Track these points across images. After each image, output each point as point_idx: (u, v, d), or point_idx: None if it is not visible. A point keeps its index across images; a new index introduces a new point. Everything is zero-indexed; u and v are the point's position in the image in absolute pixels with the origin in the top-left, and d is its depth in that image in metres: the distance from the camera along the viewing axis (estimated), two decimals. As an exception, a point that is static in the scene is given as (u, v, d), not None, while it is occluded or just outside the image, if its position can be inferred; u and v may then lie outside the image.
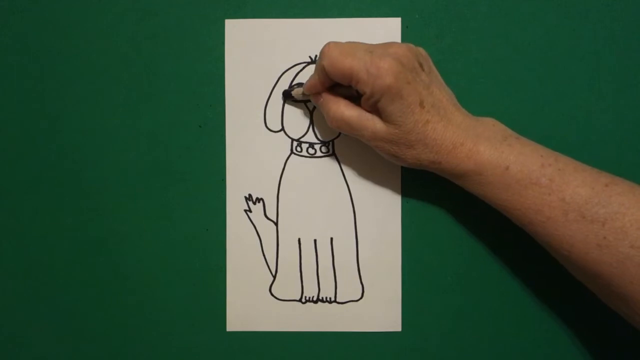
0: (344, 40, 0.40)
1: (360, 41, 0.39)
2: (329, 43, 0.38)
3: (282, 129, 0.45)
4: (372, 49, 0.38)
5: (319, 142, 0.45)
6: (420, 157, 0.38)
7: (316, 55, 0.44)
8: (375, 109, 0.38)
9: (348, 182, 0.45)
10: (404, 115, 0.37)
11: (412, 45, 0.39)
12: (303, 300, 0.45)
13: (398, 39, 0.44)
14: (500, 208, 0.38)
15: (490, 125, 0.39)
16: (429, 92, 0.38)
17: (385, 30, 0.44)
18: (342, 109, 0.39)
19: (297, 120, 0.45)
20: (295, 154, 0.45)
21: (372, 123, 0.38)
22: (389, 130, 0.38)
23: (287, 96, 0.44)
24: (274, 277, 0.45)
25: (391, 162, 0.41)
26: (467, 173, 0.38)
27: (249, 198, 0.45)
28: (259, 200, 0.45)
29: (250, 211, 0.45)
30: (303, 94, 0.43)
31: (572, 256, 0.36)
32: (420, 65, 0.38)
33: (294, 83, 0.45)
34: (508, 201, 0.38)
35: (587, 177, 0.36)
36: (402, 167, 0.44)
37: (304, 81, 0.44)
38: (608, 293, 0.36)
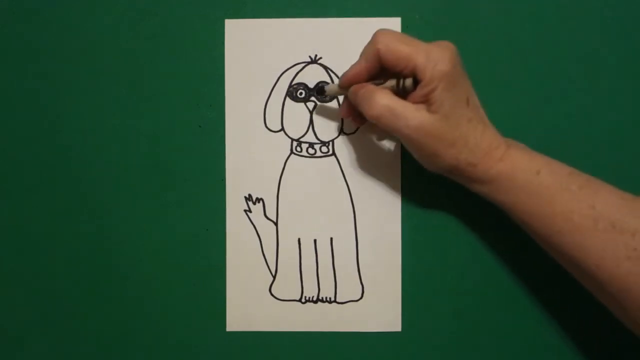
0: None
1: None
2: (380, 30, 0.38)
3: (282, 129, 0.45)
4: (425, 42, 0.38)
5: (319, 142, 0.45)
6: (459, 157, 0.38)
7: (316, 55, 0.44)
8: (426, 100, 0.37)
9: (348, 182, 0.45)
10: (454, 108, 0.37)
11: None
12: (303, 300, 0.45)
13: (398, 39, 0.44)
14: (528, 216, 0.38)
15: (515, 141, 0.40)
16: (471, 92, 0.38)
17: (385, 30, 0.44)
18: (388, 97, 0.38)
19: (297, 120, 0.45)
20: (295, 154, 0.45)
21: (419, 114, 0.37)
22: (435, 122, 0.37)
23: (320, 92, 0.44)
24: (274, 277, 0.45)
25: (424, 165, 0.40)
26: (499, 177, 0.38)
27: (248, 198, 0.45)
28: (258, 200, 0.45)
29: (250, 211, 0.45)
30: (339, 86, 0.41)
31: (600, 270, 0.35)
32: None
33: (294, 83, 0.45)
34: (537, 207, 0.37)
35: (614, 190, 0.36)
36: (402, 167, 0.44)
37: (304, 81, 0.44)
38: (634, 309, 0.35)
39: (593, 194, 0.36)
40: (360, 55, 0.40)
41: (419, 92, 0.37)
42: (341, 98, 0.44)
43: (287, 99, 0.45)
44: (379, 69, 0.39)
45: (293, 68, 0.45)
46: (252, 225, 0.45)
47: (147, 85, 0.45)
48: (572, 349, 0.44)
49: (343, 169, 0.45)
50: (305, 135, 0.45)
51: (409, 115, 0.37)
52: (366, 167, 0.45)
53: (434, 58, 0.36)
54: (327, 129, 0.45)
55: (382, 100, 0.37)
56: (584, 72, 0.44)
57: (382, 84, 0.39)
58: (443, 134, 0.37)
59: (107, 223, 0.45)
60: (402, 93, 0.38)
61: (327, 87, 0.43)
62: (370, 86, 0.39)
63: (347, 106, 0.42)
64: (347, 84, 0.40)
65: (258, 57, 0.45)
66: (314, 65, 0.45)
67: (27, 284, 0.46)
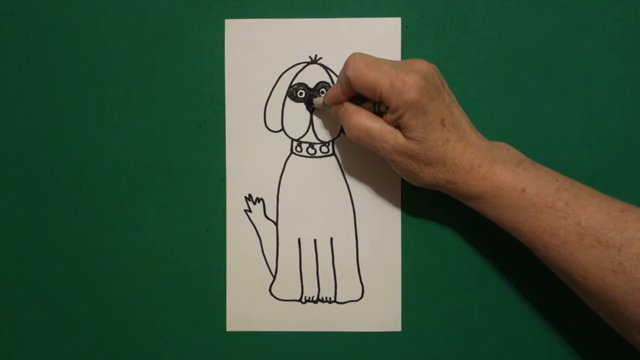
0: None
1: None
2: (354, 54, 0.38)
3: (282, 129, 0.45)
4: (397, 65, 0.38)
5: (319, 142, 0.45)
6: (437, 175, 0.38)
7: (316, 55, 0.44)
8: (397, 125, 0.38)
9: (348, 182, 0.45)
10: (426, 132, 0.37)
11: (433, 65, 0.38)
12: (303, 300, 0.45)
13: (398, 39, 0.44)
14: (515, 231, 0.38)
15: (505, 150, 0.39)
16: (449, 112, 0.38)
17: (385, 30, 0.44)
18: (364, 119, 0.39)
19: (297, 120, 0.45)
20: (295, 154, 0.45)
21: (393, 135, 0.38)
22: (409, 145, 0.37)
23: (309, 103, 0.44)
24: (274, 277, 0.45)
25: (407, 180, 0.41)
26: (483, 195, 0.38)
27: (249, 198, 0.45)
28: (259, 200, 0.45)
29: (250, 211, 0.45)
30: (324, 104, 0.42)
31: (587, 282, 0.35)
32: (442, 84, 0.39)
33: (294, 83, 0.45)
34: (523, 224, 0.37)
35: (602, 203, 0.36)
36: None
37: (304, 81, 0.45)
38: (622, 320, 0.35)
39: (579, 210, 0.36)
40: (337, 79, 0.41)
41: (389, 117, 0.38)
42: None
43: (287, 99, 0.45)
44: (355, 92, 0.39)
45: (293, 68, 0.45)
46: (252, 225, 0.45)
47: (147, 85, 0.45)
48: (572, 349, 0.44)
49: (343, 169, 0.45)
50: (306, 135, 0.45)
51: (385, 137, 0.38)
52: (366, 167, 0.45)
53: (398, 87, 0.36)
54: (327, 129, 0.45)
55: (359, 123, 0.39)
56: (585, 72, 0.44)
57: (361, 103, 0.40)
58: (418, 156, 0.38)
59: (107, 223, 0.45)
60: (379, 113, 0.39)
61: (315, 100, 0.44)
62: (349, 106, 0.40)
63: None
64: (328, 103, 0.42)
65: (258, 57, 0.45)
66: (314, 65, 0.45)
67: (26, 284, 0.46)
